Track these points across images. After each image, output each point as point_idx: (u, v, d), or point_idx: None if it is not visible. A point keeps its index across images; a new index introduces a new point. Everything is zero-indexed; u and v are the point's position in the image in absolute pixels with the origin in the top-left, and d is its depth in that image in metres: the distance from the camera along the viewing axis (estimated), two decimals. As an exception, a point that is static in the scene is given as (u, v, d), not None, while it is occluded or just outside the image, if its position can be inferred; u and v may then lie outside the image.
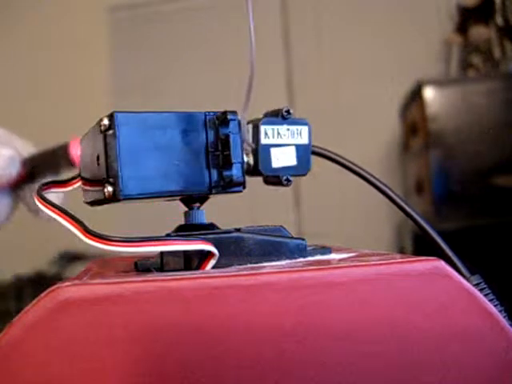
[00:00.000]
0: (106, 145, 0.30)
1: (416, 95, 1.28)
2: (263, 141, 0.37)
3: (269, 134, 0.37)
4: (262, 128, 0.37)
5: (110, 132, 0.30)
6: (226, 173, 0.32)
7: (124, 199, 0.29)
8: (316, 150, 0.39)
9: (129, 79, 1.90)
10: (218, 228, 0.35)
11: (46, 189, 0.36)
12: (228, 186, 0.33)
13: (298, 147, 0.38)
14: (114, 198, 0.30)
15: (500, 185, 1.15)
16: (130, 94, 1.88)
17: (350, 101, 1.76)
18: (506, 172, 1.16)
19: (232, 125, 0.32)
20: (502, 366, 0.28)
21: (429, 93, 1.23)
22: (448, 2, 1.59)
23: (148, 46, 1.91)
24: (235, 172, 0.32)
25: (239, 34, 1.92)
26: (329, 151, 0.40)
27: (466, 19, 1.46)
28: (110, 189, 0.30)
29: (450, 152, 1.20)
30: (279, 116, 0.37)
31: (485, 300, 0.28)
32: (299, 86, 1.81)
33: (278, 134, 0.37)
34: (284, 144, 0.38)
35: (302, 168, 0.38)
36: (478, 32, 1.40)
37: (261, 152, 0.37)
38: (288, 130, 0.38)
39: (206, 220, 0.36)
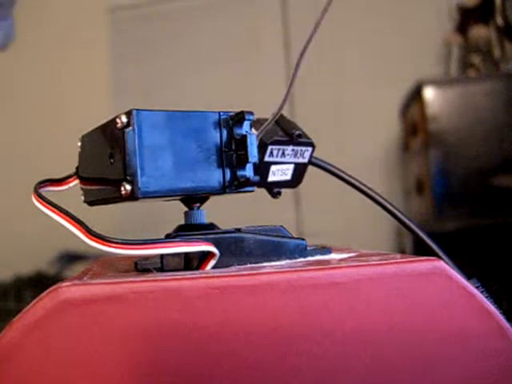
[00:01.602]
0: (124, 142, 0.29)
1: (416, 95, 1.28)
2: (267, 158, 0.37)
3: (274, 153, 0.38)
4: (269, 148, 0.37)
5: (129, 129, 0.29)
6: (240, 172, 0.32)
7: (142, 197, 0.29)
8: (313, 161, 0.40)
9: (129, 79, 1.90)
10: (218, 228, 0.35)
11: (42, 187, 0.36)
12: (242, 185, 0.33)
13: (297, 165, 0.39)
14: (131, 197, 0.29)
15: (500, 185, 1.15)
16: (130, 93, 1.88)
17: (349, 101, 1.76)
18: (507, 172, 1.16)
19: (248, 125, 0.33)
20: (502, 365, 0.28)
21: (429, 93, 1.23)
22: (448, 1, 1.59)
23: (148, 46, 1.91)
24: (249, 172, 0.32)
25: (240, 33, 1.92)
26: (324, 162, 0.41)
27: (465, 19, 1.46)
28: (128, 187, 0.29)
29: (449, 152, 1.20)
30: (289, 137, 0.38)
31: (484, 300, 0.28)
32: (299, 86, 1.81)
33: (283, 153, 0.38)
34: (285, 162, 0.38)
35: (294, 183, 0.39)
36: (478, 32, 1.40)
37: (262, 168, 0.37)
38: (293, 150, 0.38)
39: (206, 220, 0.36)
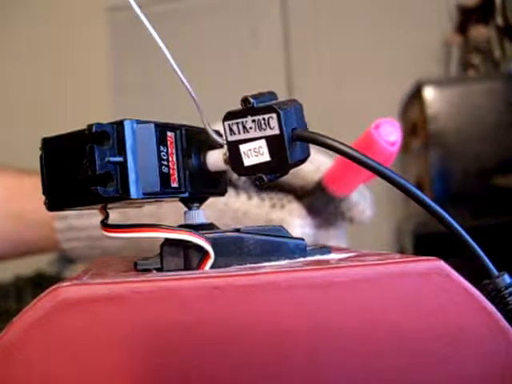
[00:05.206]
0: (40, 166, 0.34)
1: (416, 95, 1.28)
2: (230, 138, 0.33)
3: (234, 129, 0.33)
4: (226, 124, 0.33)
5: (40, 154, 0.34)
6: (95, 186, 0.31)
7: (52, 211, 0.34)
8: (305, 134, 0.33)
9: (129, 79, 1.90)
10: (217, 228, 0.36)
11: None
12: (97, 198, 0.32)
13: (269, 140, 0.32)
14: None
15: (501, 185, 1.15)
16: (130, 94, 1.88)
17: (349, 101, 1.76)
18: (507, 172, 1.16)
19: (94, 137, 0.31)
20: (502, 366, 0.28)
21: (429, 93, 1.22)
22: (448, 1, 1.59)
23: (148, 46, 1.90)
24: (97, 184, 0.32)
25: (240, 34, 1.92)
26: (321, 135, 0.34)
27: (466, 19, 1.46)
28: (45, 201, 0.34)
29: (450, 152, 1.20)
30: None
31: (484, 299, 0.28)
32: (299, 85, 1.81)
33: (244, 127, 0.33)
34: (252, 139, 0.33)
35: (278, 164, 0.33)
36: (478, 32, 1.40)
37: (230, 151, 0.34)
38: (254, 121, 0.33)
39: (205, 220, 0.36)
